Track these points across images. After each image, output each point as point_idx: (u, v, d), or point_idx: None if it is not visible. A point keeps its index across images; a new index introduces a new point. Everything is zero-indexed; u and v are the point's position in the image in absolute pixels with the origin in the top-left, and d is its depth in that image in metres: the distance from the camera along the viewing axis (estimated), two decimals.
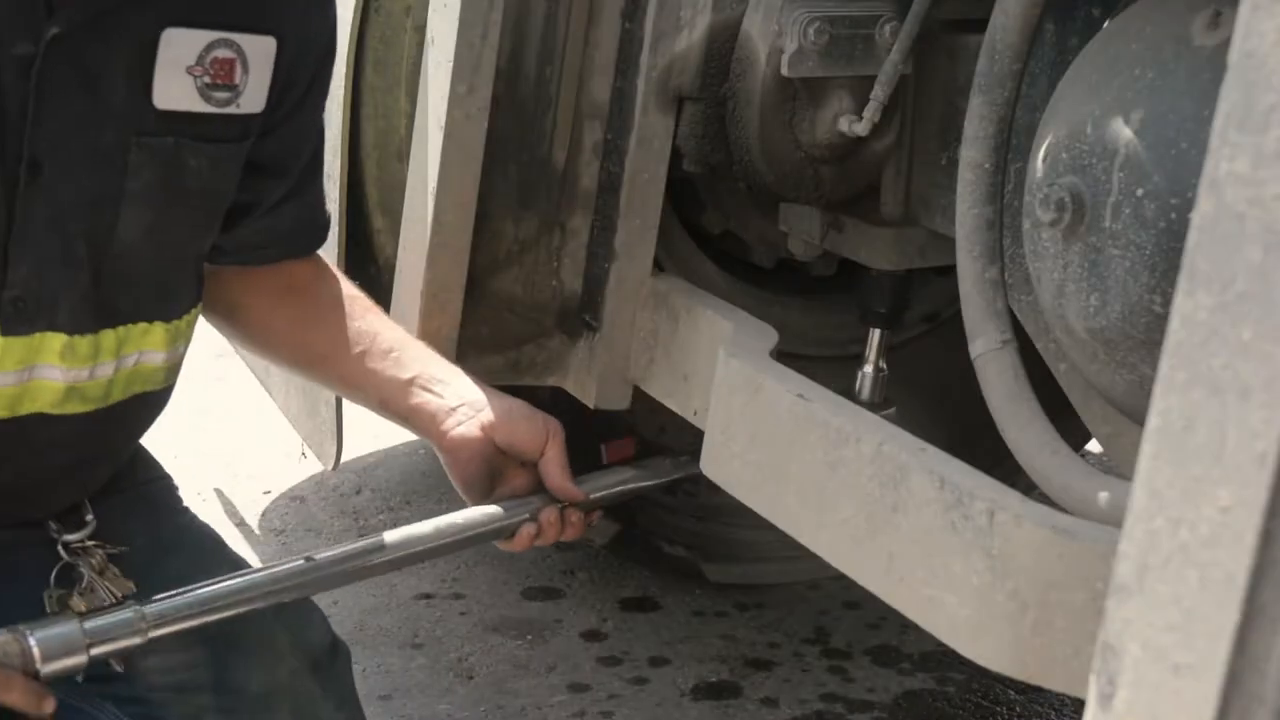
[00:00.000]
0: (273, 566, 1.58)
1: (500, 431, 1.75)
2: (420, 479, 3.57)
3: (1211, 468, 0.78)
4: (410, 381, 1.75)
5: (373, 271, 2.50)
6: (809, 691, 2.77)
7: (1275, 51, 0.76)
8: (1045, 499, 1.54)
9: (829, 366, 2.53)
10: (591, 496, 1.82)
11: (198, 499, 3.34)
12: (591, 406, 2.27)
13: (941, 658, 2.84)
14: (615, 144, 2.19)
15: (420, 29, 2.23)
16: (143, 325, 1.56)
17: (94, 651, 1.44)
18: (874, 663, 2.87)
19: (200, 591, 1.53)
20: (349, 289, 1.82)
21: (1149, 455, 0.82)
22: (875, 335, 2.28)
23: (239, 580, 1.57)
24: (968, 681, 2.80)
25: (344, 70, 2.32)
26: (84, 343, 1.52)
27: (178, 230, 1.56)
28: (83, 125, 1.45)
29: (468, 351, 2.25)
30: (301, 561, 1.59)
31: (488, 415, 1.75)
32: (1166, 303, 1.43)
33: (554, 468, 1.78)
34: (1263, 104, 0.77)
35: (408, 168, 2.21)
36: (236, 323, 1.80)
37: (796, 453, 1.70)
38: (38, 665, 1.40)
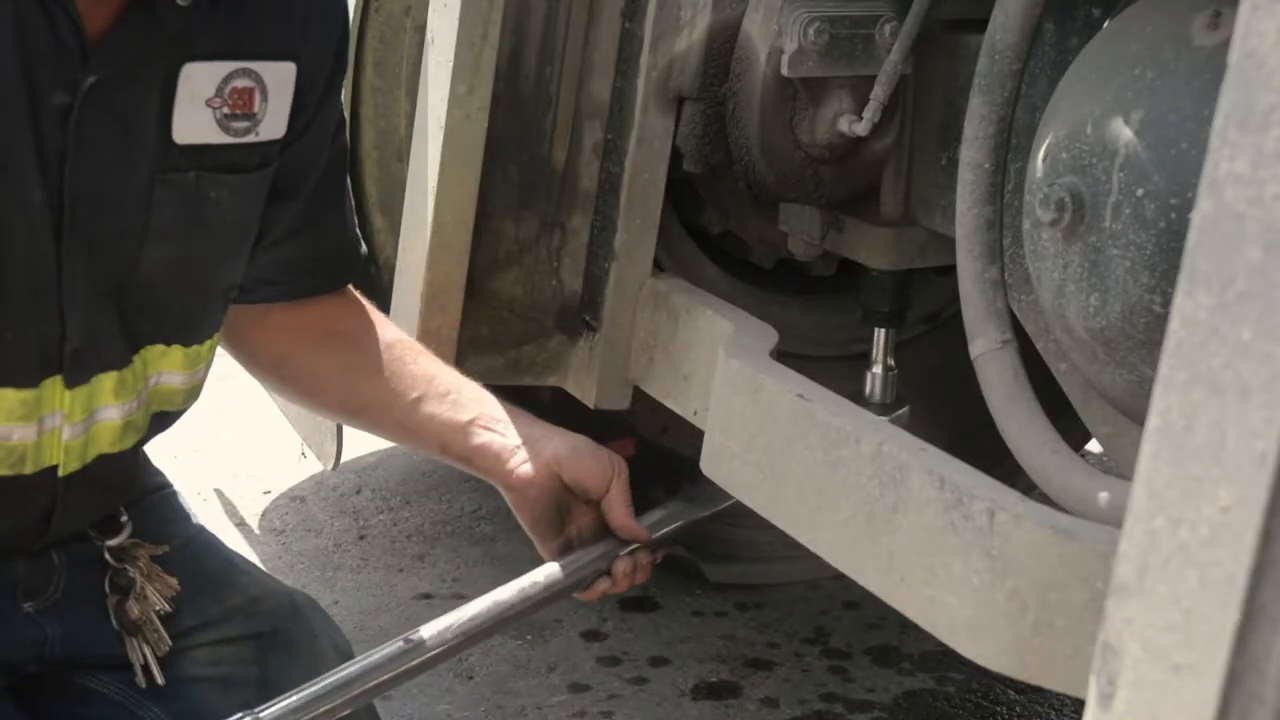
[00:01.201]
0: (370, 655, 1.56)
1: (566, 468, 1.71)
2: (420, 479, 3.57)
3: (1211, 468, 0.78)
4: (471, 423, 1.71)
5: (373, 271, 2.50)
6: (809, 691, 2.77)
7: (1275, 51, 0.76)
8: (1045, 499, 1.54)
9: (829, 366, 2.53)
10: (656, 536, 1.78)
11: (198, 499, 3.34)
12: (591, 406, 2.27)
13: (941, 658, 2.83)
14: (615, 144, 2.19)
15: (420, 29, 2.23)
16: (160, 347, 1.55)
17: None
18: (874, 663, 2.87)
19: (307, 692, 1.51)
20: (395, 332, 1.78)
21: (1149, 455, 0.82)
22: (881, 335, 2.28)
23: (342, 675, 1.54)
24: (968, 681, 2.80)
25: None
26: (129, 374, 1.53)
27: (201, 263, 1.55)
28: (115, 168, 1.44)
29: (468, 351, 2.26)
30: (401, 643, 1.57)
31: (552, 452, 1.71)
32: (1166, 303, 1.43)
33: (618, 507, 1.73)
34: (1263, 104, 0.77)
35: (408, 168, 2.21)
36: (285, 375, 1.77)
37: (796, 453, 1.70)
38: None
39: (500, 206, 2.21)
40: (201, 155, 1.49)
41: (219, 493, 3.45)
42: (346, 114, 2.33)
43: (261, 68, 1.50)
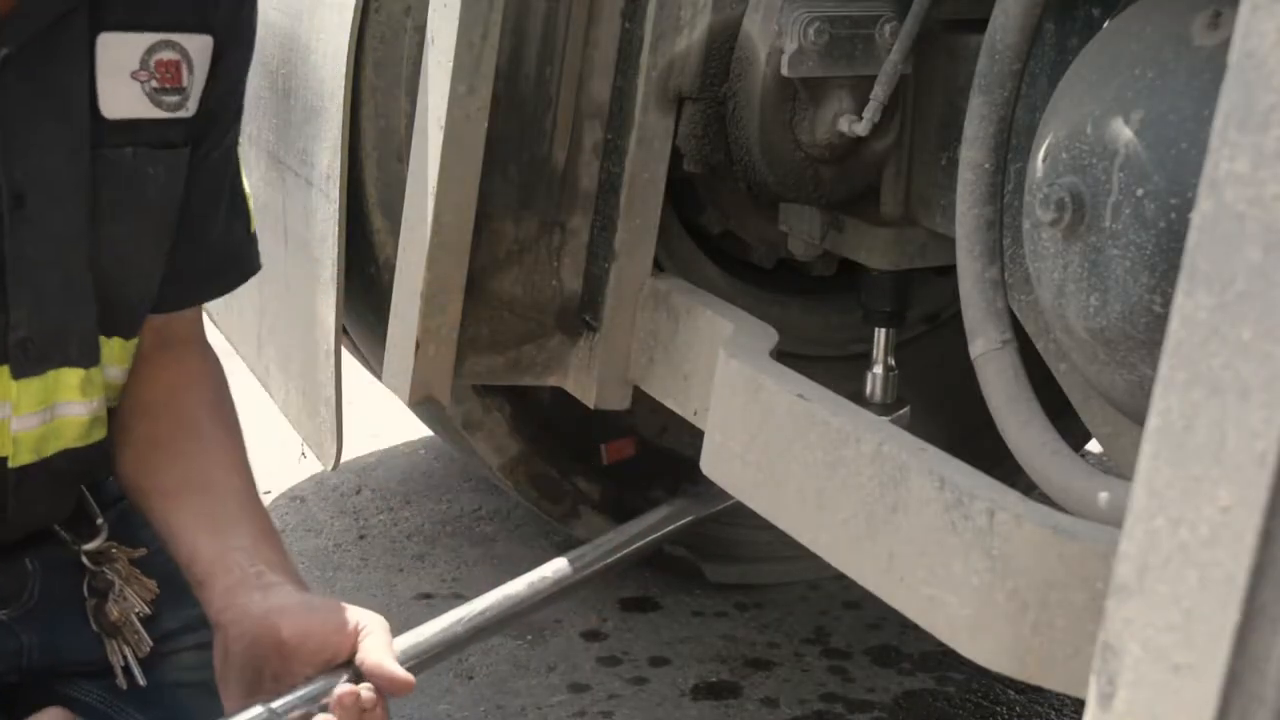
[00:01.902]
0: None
1: (290, 621, 1.37)
2: (420, 479, 3.57)
3: (1211, 468, 0.78)
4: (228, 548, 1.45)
5: (373, 271, 2.50)
6: (809, 691, 2.77)
7: (1275, 51, 0.76)
8: (1045, 499, 1.54)
9: (829, 366, 2.53)
10: (412, 662, 1.49)
11: None
12: (591, 406, 2.27)
13: (941, 658, 2.83)
14: (615, 144, 2.19)
15: (420, 29, 2.23)
16: (118, 340, 1.53)
17: None
18: (874, 663, 2.87)
19: (316, 685, 1.38)
20: (220, 418, 1.59)
21: (1149, 455, 0.82)
22: (881, 335, 2.28)
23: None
24: (968, 681, 2.80)
25: (344, 70, 2.32)
26: (98, 372, 1.51)
27: (149, 245, 1.52)
28: (56, 148, 1.41)
29: (468, 351, 2.26)
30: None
31: (284, 600, 1.40)
32: (1166, 303, 1.43)
33: (378, 650, 1.38)
34: (1263, 104, 0.77)
35: (408, 168, 2.21)
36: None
37: (796, 453, 1.70)
38: None
39: (500, 206, 2.21)
40: (136, 131, 1.46)
41: None
42: (346, 114, 2.34)
43: (184, 40, 1.47)
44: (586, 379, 2.27)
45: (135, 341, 1.57)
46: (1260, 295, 0.76)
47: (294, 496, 3.47)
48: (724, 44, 2.12)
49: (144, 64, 1.45)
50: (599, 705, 2.69)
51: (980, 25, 1.73)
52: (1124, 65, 1.53)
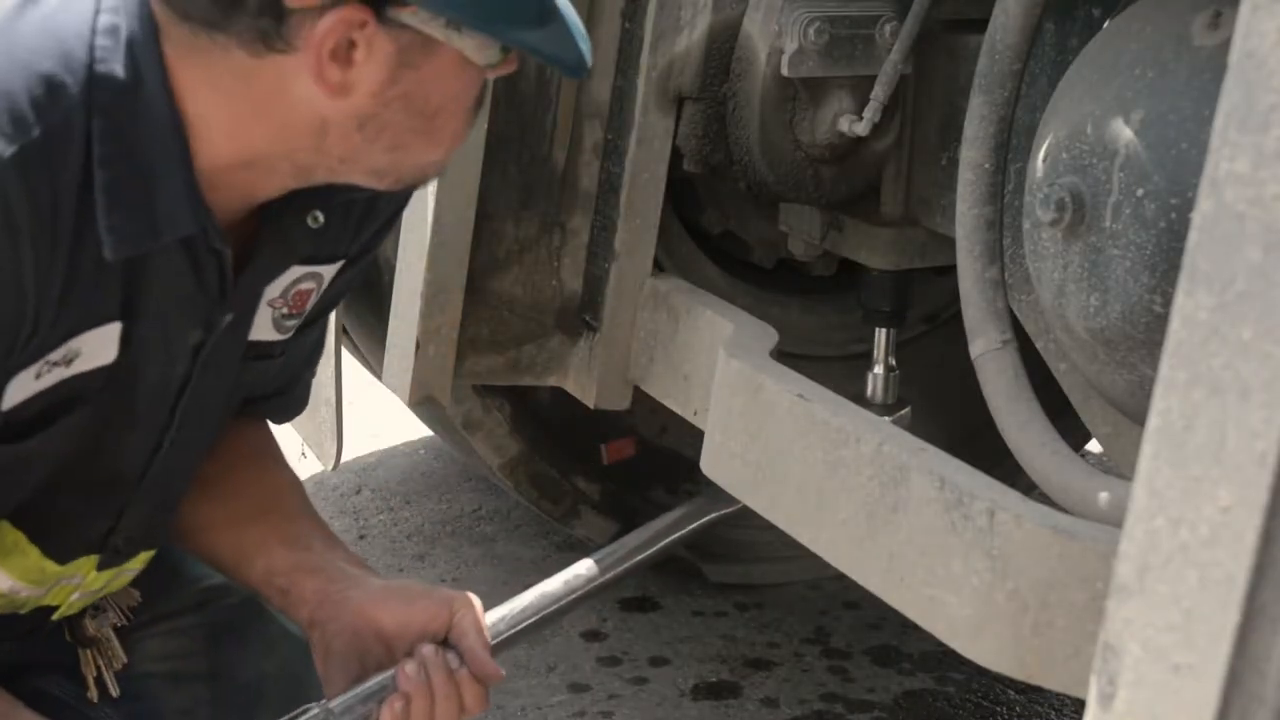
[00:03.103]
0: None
1: (389, 611, 1.43)
2: (420, 479, 3.57)
3: (1211, 468, 0.78)
4: (307, 556, 1.50)
5: (372, 271, 2.50)
6: (809, 691, 2.77)
7: (1275, 51, 0.76)
8: (1045, 499, 1.54)
9: (829, 366, 2.53)
10: (496, 641, 1.50)
11: None
12: (591, 406, 2.27)
13: (941, 658, 2.83)
14: (615, 144, 2.19)
15: None
16: None
17: None
18: (874, 663, 2.87)
19: (372, 683, 1.41)
20: (272, 476, 1.61)
21: (1149, 455, 0.82)
22: (882, 335, 2.28)
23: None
24: (968, 681, 2.80)
25: None
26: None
27: (214, 428, 1.53)
28: (221, 386, 1.44)
29: (468, 351, 2.26)
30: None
31: (377, 591, 1.45)
32: (1166, 303, 1.43)
33: (466, 631, 1.43)
34: (1263, 104, 0.77)
35: None
36: None
37: (796, 453, 1.70)
38: None
39: (500, 206, 2.21)
40: (252, 349, 1.47)
41: None
42: None
43: (324, 269, 1.47)
44: (586, 379, 2.27)
45: None
46: (1260, 295, 0.76)
47: None
48: (724, 44, 2.12)
49: (284, 293, 1.45)
50: (599, 705, 2.69)
51: (980, 25, 1.73)
52: (1124, 65, 1.53)
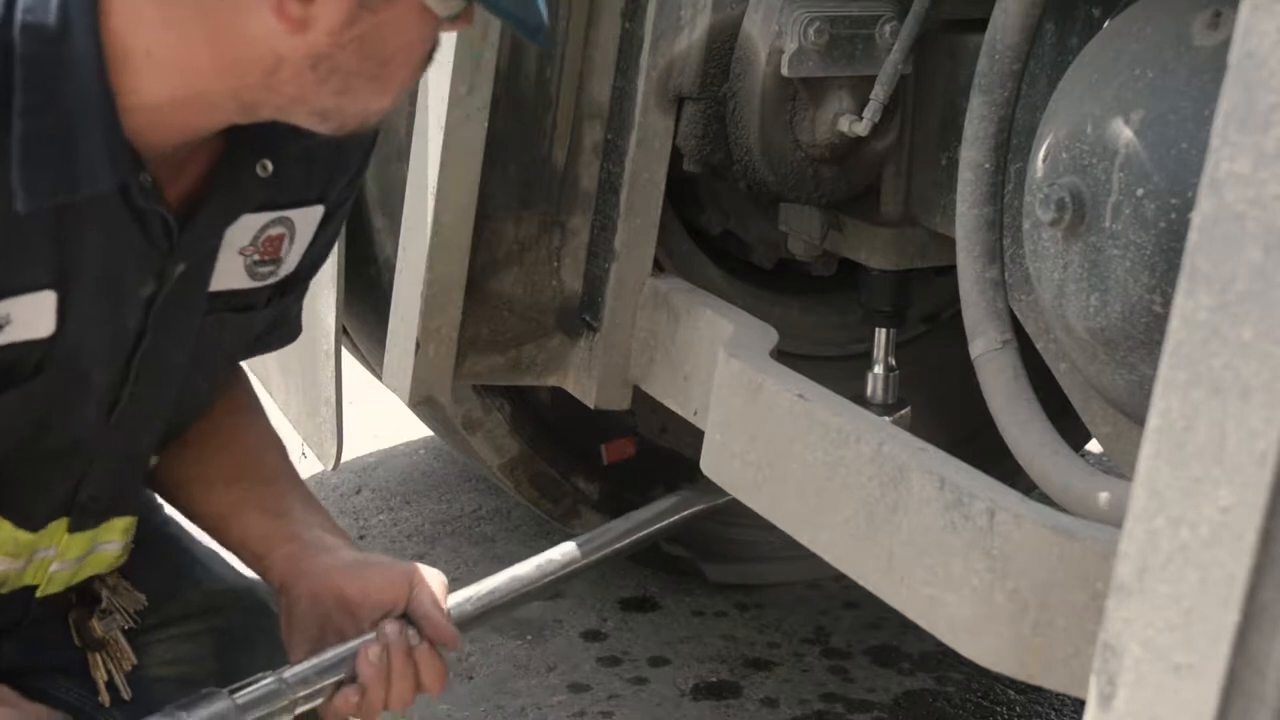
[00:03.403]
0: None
1: (351, 579, 1.46)
2: (420, 479, 3.57)
3: (1211, 468, 0.78)
4: (280, 521, 1.52)
5: (373, 271, 2.50)
6: (809, 691, 2.77)
7: (1275, 51, 0.76)
8: (1045, 499, 1.54)
9: (829, 366, 2.53)
10: (460, 618, 1.53)
11: None
12: (591, 406, 2.27)
13: (941, 658, 2.83)
14: (615, 144, 2.19)
15: None
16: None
17: None
18: (874, 663, 2.87)
19: (328, 656, 1.44)
20: (253, 432, 1.63)
21: (1149, 455, 0.82)
22: (882, 335, 2.28)
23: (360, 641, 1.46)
24: (968, 681, 2.80)
25: None
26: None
27: (205, 390, 1.54)
28: (178, 339, 1.42)
29: (468, 351, 2.26)
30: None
31: (342, 560, 1.48)
32: (1166, 303, 1.43)
33: (422, 599, 1.45)
34: (1263, 104, 0.77)
35: (408, 168, 2.21)
36: None
37: (796, 453, 1.70)
38: None
39: (500, 206, 2.21)
40: (223, 300, 1.46)
41: None
42: None
43: (295, 214, 1.47)
44: (586, 379, 2.27)
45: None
46: (1260, 295, 0.76)
47: None
48: (724, 44, 2.12)
49: (254, 240, 1.44)
50: (599, 705, 2.69)
51: (980, 25, 1.73)
52: (1124, 65, 1.53)
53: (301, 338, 1.72)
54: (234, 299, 1.47)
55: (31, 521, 1.42)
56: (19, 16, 1.19)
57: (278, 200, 1.44)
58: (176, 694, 1.58)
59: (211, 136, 1.33)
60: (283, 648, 1.61)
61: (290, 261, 1.50)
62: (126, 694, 1.55)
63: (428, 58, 1.31)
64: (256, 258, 1.45)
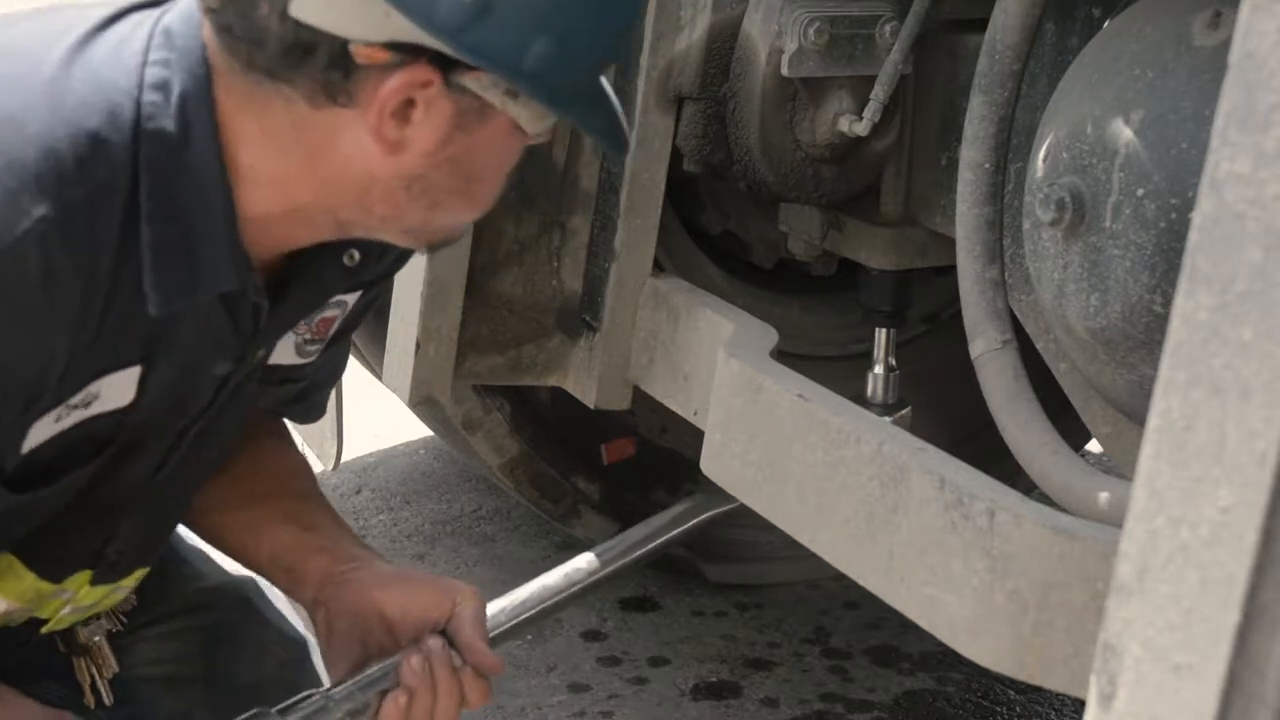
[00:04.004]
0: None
1: (391, 596, 1.45)
2: (420, 479, 3.57)
3: (1211, 468, 0.78)
4: (312, 540, 1.52)
5: None
6: (809, 691, 2.77)
7: (1275, 51, 0.76)
8: (1045, 499, 1.54)
9: (829, 366, 2.53)
10: (496, 631, 1.53)
11: None
12: (591, 406, 2.27)
13: (941, 658, 2.83)
14: None
15: None
16: None
17: None
18: (874, 663, 2.87)
19: (374, 670, 1.43)
20: (283, 460, 1.64)
21: (1149, 455, 0.82)
22: (882, 335, 2.28)
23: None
24: (968, 681, 2.80)
25: None
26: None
27: (229, 445, 1.52)
28: (236, 414, 1.44)
29: (468, 351, 2.26)
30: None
31: (382, 576, 1.48)
32: (1166, 303, 1.43)
33: (465, 624, 1.44)
34: (1263, 104, 0.77)
35: None
36: None
37: (796, 453, 1.70)
38: None
39: (500, 206, 2.20)
40: (271, 373, 1.46)
41: None
42: None
43: (348, 297, 1.48)
44: (586, 379, 2.27)
45: None
46: (1260, 295, 0.76)
47: None
48: (724, 44, 2.12)
49: (309, 320, 1.45)
50: (599, 705, 2.69)
51: (980, 25, 1.73)
52: (1124, 65, 1.53)
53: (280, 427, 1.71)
54: (281, 373, 1.48)
55: (57, 574, 1.42)
56: (142, 124, 1.20)
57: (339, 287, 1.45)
58: (163, 694, 1.58)
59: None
60: (268, 644, 1.61)
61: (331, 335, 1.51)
62: (109, 699, 1.55)
63: (515, 170, 1.32)
64: (308, 337, 1.46)
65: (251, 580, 1.69)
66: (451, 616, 1.45)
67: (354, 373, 2.80)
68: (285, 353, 1.45)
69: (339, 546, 1.50)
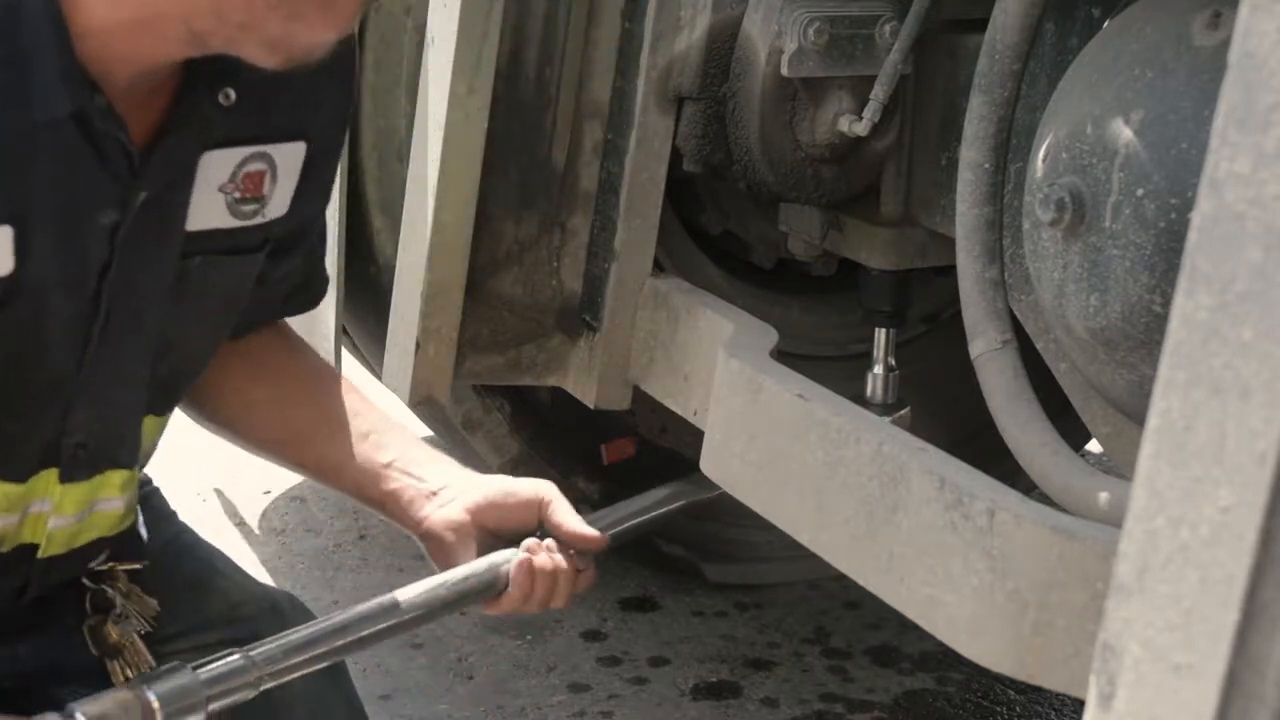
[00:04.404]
0: (360, 607, 1.53)
1: (488, 516, 1.59)
2: None
3: (1211, 468, 0.78)
4: (387, 466, 1.61)
5: (373, 271, 2.50)
6: (809, 691, 2.77)
7: (1275, 51, 0.76)
8: (1045, 499, 1.54)
9: (829, 366, 2.53)
10: (610, 533, 1.68)
11: (197, 499, 3.34)
12: (591, 406, 2.27)
13: (941, 658, 2.83)
14: (615, 144, 2.19)
15: (420, 29, 2.23)
16: (152, 416, 1.54)
17: (211, 706, 1.41)
18: (874, 663, 2.87)
19: (302, 635, 1.49)
20: (318, 360, 1.71)
21: (1149, 455, 0.82)
22: (881, 335, 2.28)
23: (335, 621, 1.52)
24: (968, 681, 2.80)
25: None
26: (138, 468, 1.52)
27: (199, 343, 1.53)
28: (154, 270, 1.41)
29: (468, 351, 2.26)
30: (393, 596, 1.54)
31: (472, 497, 1.59)
32: (1166, 303, 1.43)
33: (561, 518, 1.63)
34: (1263, 104, 0.77)
35: (408, 168, 2.21)
36: (207, 404, 1.66)
37: (796, 453, 1.70)
38: None
39: (500, 206, 2.21)
40: (208, 240, 1.45)
41: (219, 493, 3.45)
42: None
43: (274, 150, 1.46)
44: (586, 379, 2.27)
45: (168, 416, 1.58)
46: (1260, 295, 0.76)
47: (294, 497, 3.47)
48: (724, 44, 2.12)
49: (233, 176, 1.44)
50: (599, 705, 2.69)
51: (980, 25, 1.73)
52: (1124, 65, 1.53)
53: (301, 338, 1.72)
54: (219, 239, 1.46)
55: (17, 472, 1.41)
56: None
57: (252, 134, 1.43)
58: None
59: (171, 73, 1.34)
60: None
61: (278, 202, 1.49)
62: None
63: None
64: (238, 195, 1.45)
65: (285, 592, 1.70)
66: (544, 519, 1.62)
67: (354, 373, 2.81)
68: (216, 214, 1.44)
69: (420, 469, 1.61)
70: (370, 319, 2.56)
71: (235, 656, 1.43)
